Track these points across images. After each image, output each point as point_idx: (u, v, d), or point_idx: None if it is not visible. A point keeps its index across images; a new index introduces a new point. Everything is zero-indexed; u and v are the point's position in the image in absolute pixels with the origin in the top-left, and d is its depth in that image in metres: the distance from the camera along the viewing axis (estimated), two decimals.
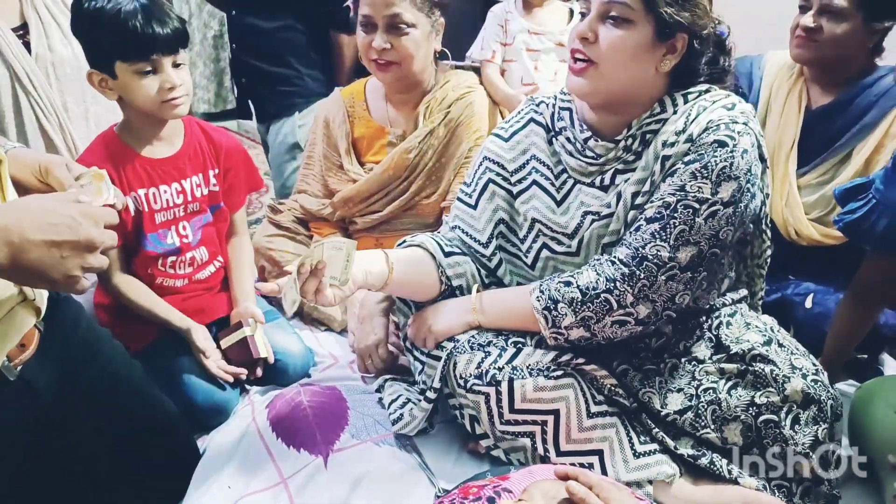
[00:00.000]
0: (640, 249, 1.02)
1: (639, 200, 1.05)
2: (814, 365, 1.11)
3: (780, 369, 1.07)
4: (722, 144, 0.99)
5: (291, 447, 1.18)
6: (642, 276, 1.02)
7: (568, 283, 1.06)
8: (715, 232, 1.01)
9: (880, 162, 1.36)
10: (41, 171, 0.94)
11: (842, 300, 1.34)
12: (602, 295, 1.03)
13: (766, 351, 1.09)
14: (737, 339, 1.12)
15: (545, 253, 1.16)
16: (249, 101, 2.21)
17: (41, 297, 0.93)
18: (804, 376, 1.07)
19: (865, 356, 1.43)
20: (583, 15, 1.06)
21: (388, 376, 1.32)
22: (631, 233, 1.05)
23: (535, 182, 1.17)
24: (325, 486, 1.11)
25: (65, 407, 1.00)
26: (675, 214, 1.00)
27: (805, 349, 1.15)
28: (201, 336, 1.35)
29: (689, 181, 1.00)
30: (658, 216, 1.01)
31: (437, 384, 1.11)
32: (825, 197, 1.43)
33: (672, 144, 1.03)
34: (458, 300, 1.15)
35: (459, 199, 1.25)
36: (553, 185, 1.16)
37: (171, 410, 1.19)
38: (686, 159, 1.01)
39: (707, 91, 1.07)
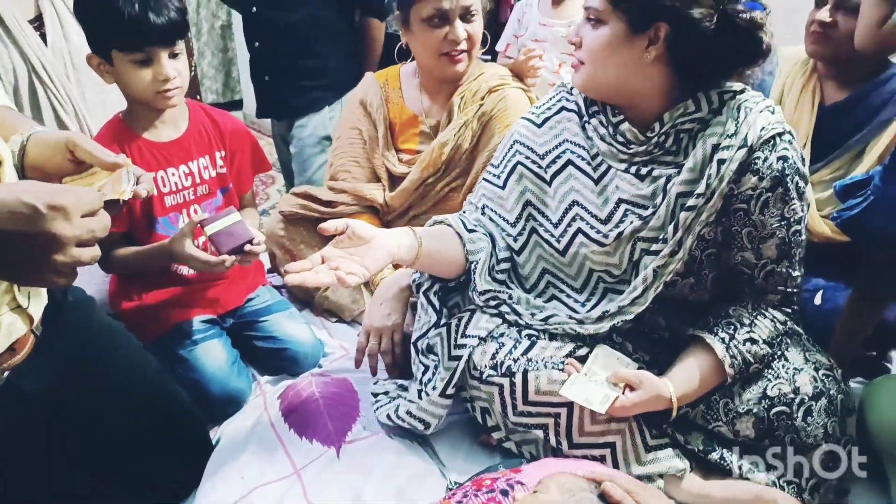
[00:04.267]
0: (787, 288, 1.11)
1: (690, 202, 1.04)
2: (828, 360, 1.12)
3: (790, 362, 1.09)
4: (784, 159, 1.03)
5: (304, 438, 1.19)
6: (797, 305, 1.13)
7: (754, 341, 1.07)
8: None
9: None
10: (69, 147, 0.88)
11: (848, 296, 1.34)
12: (781, 336, 1.11)
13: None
14: None
15: (580, 239, 1.14)
16: (268, 98, 2.14)
17: (37, 304, 0.91)
18: (816, 369, 1.09)
19: (874, 353, 1.43)
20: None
21: (386, 385, 1.28)
22: (765, 277, 1.09)
23: (570, 162, 1.16)
24: (337, 477, 1.11)
25: (71, 405, 1.00)
26: (792, 241, 1.07)
27: (818, 346, 1.16)
28: (187, 243, 1.26)
29: (784, 207, 1.04)
30: (782, 253, 1.08)
31: (456, 380, 1.11)
32: None
33: (726, 148, 1.03)
34: (654, 384, 1.04)
35: (486, 181, 1.24)
36: (590, 164, 1.15)
37: (185, 402, 1.19)
38: (765, 186, 1.03)
39: (742, 91, 1.07)
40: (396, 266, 1.36)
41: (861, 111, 1.44)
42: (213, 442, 1.23)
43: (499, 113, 1.49)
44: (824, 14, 1.41)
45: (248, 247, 1.26)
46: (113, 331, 1.13)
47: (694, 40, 1.01)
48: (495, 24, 2.41)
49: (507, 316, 1.14)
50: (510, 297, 1.15)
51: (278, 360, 1.43)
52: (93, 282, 1.42)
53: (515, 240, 1.20)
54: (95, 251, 0.70)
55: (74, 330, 1.02)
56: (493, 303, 1.14)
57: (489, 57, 1.67)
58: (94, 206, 0.70)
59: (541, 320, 1.14)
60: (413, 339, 1.22)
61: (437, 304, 1.20)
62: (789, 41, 1.59)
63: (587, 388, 1.03)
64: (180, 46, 1.27)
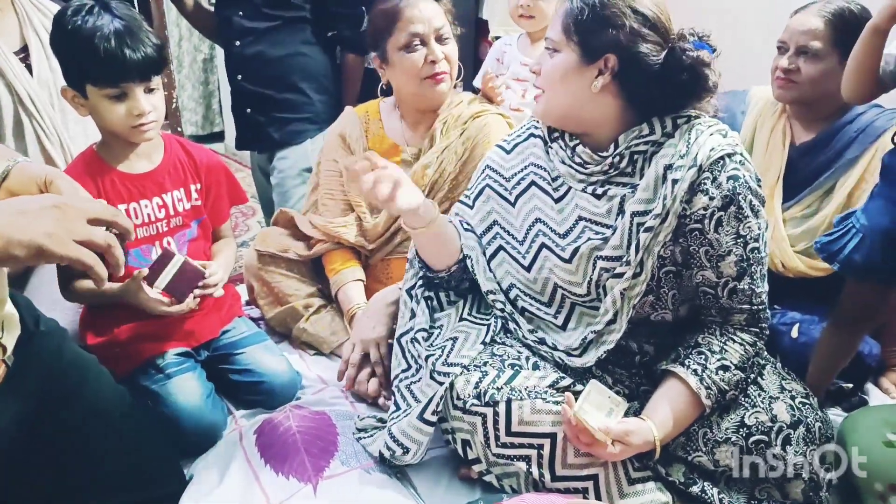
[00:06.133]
0: (752, 306, 1.12)
1: (648, 223, 1.07)
2: (804, 389, 1.14)
3: (765, 391, 1.11)
4: (734, 178, 1.05)
5: (280, 474, 1.16)
6: (765, 323, 1.14)
7: (726, 368, 1.08)
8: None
9: (862, 195, 1.40)
10: (45, 183, 0.91)
11: (824, 328, 1.37)
12: (753, 359, 1.12)
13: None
14: None
15: (544, 253, 1.18)
16: (249, 130, 2.14)
17: (10, 334, 0.90)
18: (792, 398, 1.11)
19: (851, 385, 1.45)
20: None
21: (373, 420, 1.28)
22: (729, 295, 1.10)
23: (533, 183, 1.22)
24: None
25: (41, 439, 0.97)
26: (751, 258, 1.08)
27: (794, 375, 1.19)
28: (142, 297, 1.27)
29: (739, 225, 1.06)
30: (742, 270, 1.09)
31: (436, 407, 1.10)
32: (810, 229, 1.47)
33: (679, 168, 1.06)
34: (641, 433, 1.04)
35: (460, 202, 1.32)
36: (550, 185, 1.20)
37: (158, 438, 1.16)
38: (716, 205, 1.05)
39: (697, 117, 1.11)
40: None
41: (829, 150, 1.49)
42: (187, 478, 1.19)
43: (483, 139, 1.52)
44: (785, 61, 1.47)
45: (202, 281, 1.27)
46: (85, 363, 1.10)
47: (641, 73, 1.06)
48: (475, 61, 2.46)
49: (508, 325, 1.19)
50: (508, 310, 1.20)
51: (254, 394, 1.40)
52: (64, 314, 1.38)
53: (486, 250, 1.25)
54: (102, 232, 0.76)
55: (46, 361, 0.99)
56: (498, 305, 1.20)
57: (469, 93, 1.70)
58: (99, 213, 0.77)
59: (534, 340, 1.16)
60: (396, 336, 1.24)
61: (419, 299, 1.24)
62: (761, 81, 1.65)
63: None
64: (156, 81, 1.27)
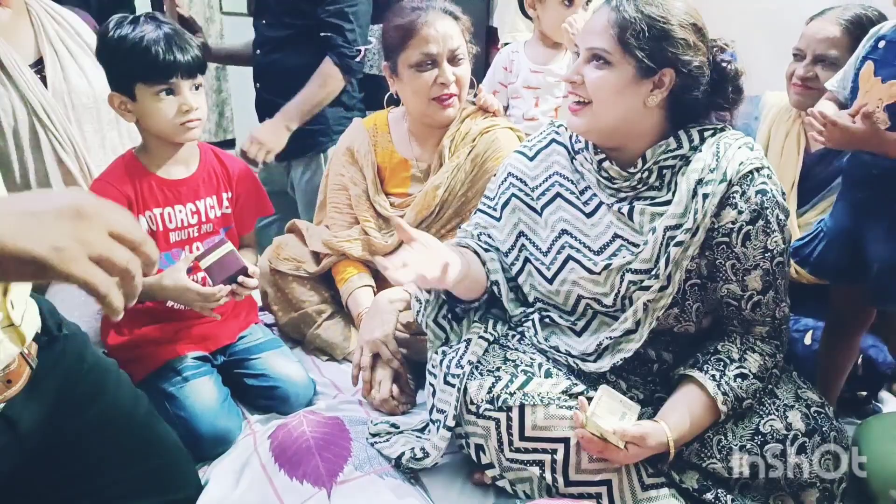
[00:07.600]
0: (774, 320, 1.12)
1: (679, 237, 1.07)
2: (819, 398, 1.14)
3: (780, 399, 1.11)
4: (763, 192, 1.06)
5: (294, 479, 1.17)
6: (786, 336, 1.15)
7: (744, 376, 1.08)
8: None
9: None
10: None
11: (822, 337, 1.37)
12: (772, 370, 1.12)
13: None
14: None
15: (570, 265, 1.16)
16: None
17: (30, 322, 0.91)
18: (808, 406, 1.10)
19: (865, 393, 1.44)
20: (577, 55, 1.13)
21: (386, 425, 1.29)
22: (752, 308, 1.11)
23: (558, 195, 1.20)
24: None
25: (62, 441, 0.98)
26: (776, 272, 1.09)
27: (810, 384, 1.18)
28: (182, 276, 1.28)
29: (766, 239, 1.07)
30: (767, 284, 1.09)
31: (454, 411, 1.11)
32: None
33: (709, 182, 1.07)
34: (656, 435, 1.03)
35: (482, 211, 1.28)
36: (578, 199, 1.18)
37: (176, 442, 1.17)
38: (745, 219, 1.05)
39: (722, 129, 1.12)
40: None
41: (844, 156, 1.47)
42: (203, 482, 1.20)
43: (493, 154, 1.51)
44: (802, 69, 1.47)
45: (241, 278, 1.30)
46: (105, 367, 1.11)
47: (692, 86, 1.06)
48: (485, 69, 2.46)
49: (527, 332, 1.20)
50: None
51: (269, 399, 1.42)
52: (84, 318, 1.40)
53: (511, 266, 1.24)
54: (121, 249, 0.59)
55: (67, 365, 1.00)
56: (522, 319, 1.21)
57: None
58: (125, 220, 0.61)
59: (548, 347, 1.17)
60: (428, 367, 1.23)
61: (446, 326, 1.23)
62: (765, 88, 1.65)
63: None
64: (200, 80, 1.32)
